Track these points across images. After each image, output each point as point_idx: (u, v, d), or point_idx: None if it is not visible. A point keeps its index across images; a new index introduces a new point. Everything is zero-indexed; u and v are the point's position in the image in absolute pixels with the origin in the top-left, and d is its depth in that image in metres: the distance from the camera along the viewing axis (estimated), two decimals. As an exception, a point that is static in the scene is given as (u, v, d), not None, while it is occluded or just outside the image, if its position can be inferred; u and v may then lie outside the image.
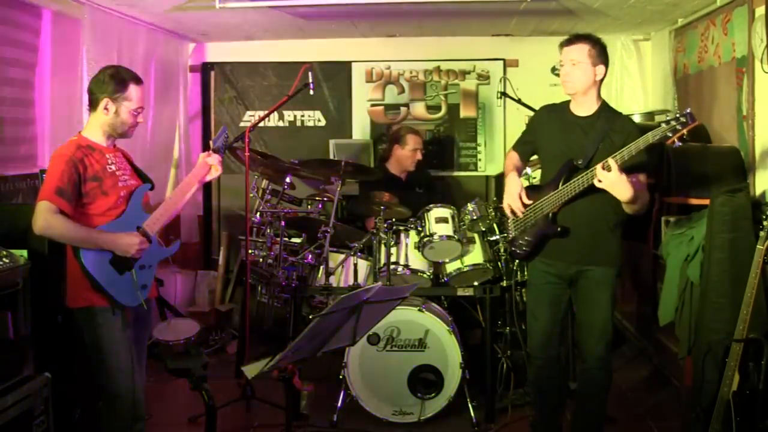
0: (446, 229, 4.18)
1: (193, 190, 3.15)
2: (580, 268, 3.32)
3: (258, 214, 4.65)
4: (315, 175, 5.01)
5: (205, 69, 6.43)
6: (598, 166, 3.05)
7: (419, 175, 5.38)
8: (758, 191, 4.01)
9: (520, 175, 3.47)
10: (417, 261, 4.27)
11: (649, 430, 3.93)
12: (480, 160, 6.39)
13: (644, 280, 4.95)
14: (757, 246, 3.07)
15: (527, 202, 3.35)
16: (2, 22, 4.00)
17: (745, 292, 3.07)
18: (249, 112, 6.41)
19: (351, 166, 4.39)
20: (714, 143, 4.57)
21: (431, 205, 4.33)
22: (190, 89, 6.29)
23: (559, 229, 3.28)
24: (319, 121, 6.41)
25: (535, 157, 3.63)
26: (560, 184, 3.24)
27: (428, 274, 4.29)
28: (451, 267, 4.28)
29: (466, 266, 4.24)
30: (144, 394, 3.08)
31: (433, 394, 3.96)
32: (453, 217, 4.25)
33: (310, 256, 4.42)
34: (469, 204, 4.31)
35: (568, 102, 3.38)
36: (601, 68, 3.24)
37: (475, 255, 4.27)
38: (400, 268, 4.23)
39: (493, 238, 4.32)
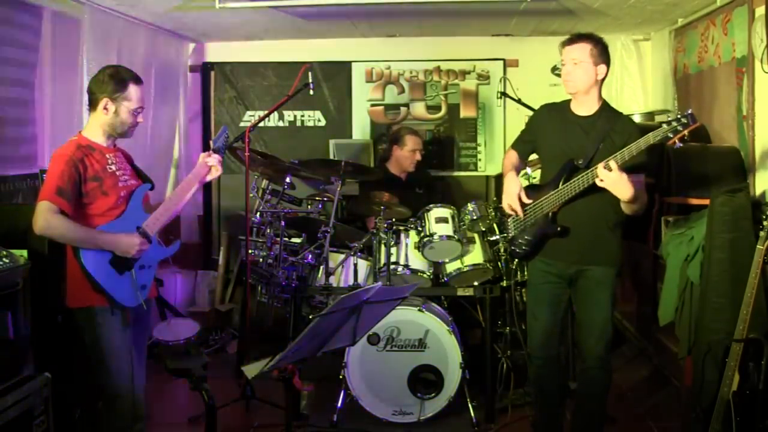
0: (446, 229, 4.18)
1: (194, 190, 3.15)
2: (580, 267, 3.32)
3: (258, 214, 4.64)
4: (315, 175, 5.00)
5: (205, 69, 6.43)
6: (599, 166, 3.05)
7: (419, 175, 5.38)
8: (758, 191, 4.01)
9: (518, 174, 3.47)
10: (417, 261, 4.27)
11: (649, 430, 3.93)
12: (480, 160, 6.39)
13: (644, 280, 4.95)
14: (757, 246, 3.07)
15: (526, 201, 3.35)
16: (2, 22, 4.00)
17: (745, 292, 3.07)
18: (249, 112, 6.41)
19: (351, 166, 4.39)
20: (714, 143, 4.57)
21: (431, 205, 4.33)
22: (190, 89, 6.29)
23: (559, 228, 3.28)
24: (319, 121, 6.41)
25: (535, 156, 3.63)
26: (560, 183, 3.24)
27: (428, 274, 4.29)
28: (451, 267, 4.27)
29: (466, 266, 4.24)
30: (144, 394, 3.09)
31: (433, 394, 3.96)
32: (453, 217, 4.25)
33: (310, 256, 4.42)
34: (469, 204, 4.31)
35: (568, 101, 3.38)
36: (602, 68, 3.24)
37: (475, 255, 4.27)
38: (400, 268, 4.23)
39: (493, 238, 4.31)
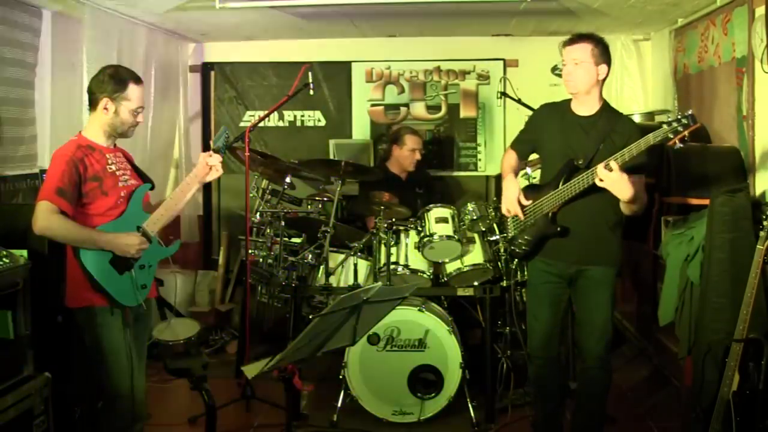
0: (446, 229, 4.18)
1: (194, 191, 3.15)
2: (580, 267, 3.32)
3: (258, 214, 4.65)
4: (315, 175, 5.01)
5: (205, 69, 6.43)
6: (600, 166, 3.05)
7: (419, 174, 5.38)
8: (758, 191, 4.01)
9: (517, 175, 3.46)
10: (417, 261, 4.27)
11: (649, 430, 3.93)
12: (480, 160, 6.39)
13: (644, 280, 4.95)
14: (757, 246, 3.07)
15: (525, 203, 3.35)
16: (2, 22, 4.00)
17: (745, 292, 3.07)
18: (249, 112, 6.41)
19: (351, 166, 4.39)
20: (714, 143, 4.57)
21: (431, 205, 4.33)
22: (190, 89, 6.28)
23: (558, 229, 3.28)
24: (319, 121, 6.41)
25: (535, 156, 3.62)
26: (560, 183, 3.24)
27: (428, 274, 4.29)
28: (451, 267, 4.27)
29: (466, 266, 4.24)
30: (144, 394, 3.09)
31: (433, 394, 3.96)
32: (453, 217, 4.25)
33: (310, 256, 4.42)
34: (469, 204, 4.31)
35: (568, 101, 3.37)
36: (603, 68, 3.24)
37: (475, 255, 4.27)
38: (400, 268, 4.23)
39: (493, 238, 4.31)
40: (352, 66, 6.37)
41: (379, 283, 3.05)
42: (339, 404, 3.98)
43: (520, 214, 3.36)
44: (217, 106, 6.44)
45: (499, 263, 4.30)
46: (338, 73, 6.36)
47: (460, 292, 4.21)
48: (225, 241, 6.20)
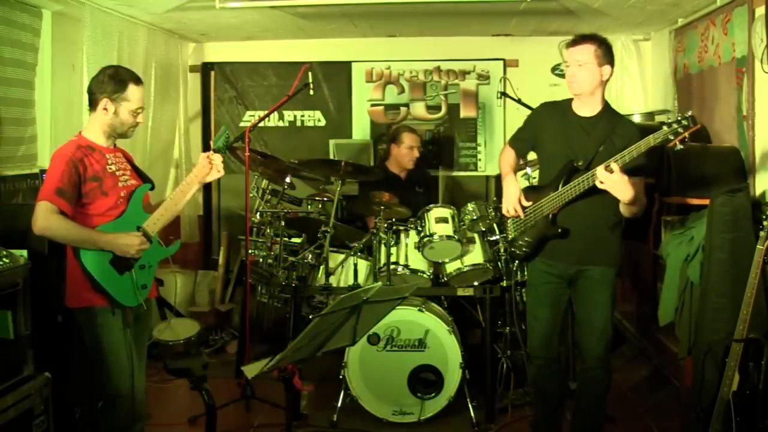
0: (446, 229, 4.18)
1: (194, 191, 3.15)
2: (580, 268, 3.32)
3: (258, 214, 4.65)
4: (315, 175, 5.01)
5: (205, 69, 6.43)
6: (600, 167, 3.04)
7: (419, 174, 5.38)
8: (758, 191, 4.01)
9: (516, 174, 3.46)
10: (417, 261, 4.27)
11: (649, 430, 3.93)
12: (480, 160, 6.39)
13: (644, 280, 4.95)
14: (757, 246, 3.07)
15: (526, 204, 3.35)
16: (2, 22, 4.00)
17: (745, 292, 3.07)
18: (249, 112, 6.41)
19: (351, 166, 4.39)
20: (714, 143, 4.57)
21: (431, 205, 4.33)
22: (190, 89, 6.29)
23: (559, 230, 3.28)
24: (319, 121, 6.41)
25: (534, 155, 3.62)
26: (560, 185, 3.24)
27: (428, 274, 4.29)
28: (451, 267, 4.27)
29: (466, 266, 4.24)
30: (144, 394, 3.09)
31: (433, 394, 3.96)
32: (453, 217, 4.25)
33: (310, 256, 4.42)
34: (469, 204, 4.31)
35: (569, 100, 3.36)
36: (607, 68, 3.23)
37: (475, 255, 4.27)
38: (400, 268, 4.23)
39: (493, 238, 4.31)
40: (352, 66, 6.37)
41: (379, 283, 3.05)
42: (339, 404, 3.98)
43: (521, 215, 3.36)
44: (217, 106, 6.44)
45: (499, 263, 4.30)
46: (338, 73, 6.36)
47: (460, 292, 4.21)
48: (225, 241, 6.20)
